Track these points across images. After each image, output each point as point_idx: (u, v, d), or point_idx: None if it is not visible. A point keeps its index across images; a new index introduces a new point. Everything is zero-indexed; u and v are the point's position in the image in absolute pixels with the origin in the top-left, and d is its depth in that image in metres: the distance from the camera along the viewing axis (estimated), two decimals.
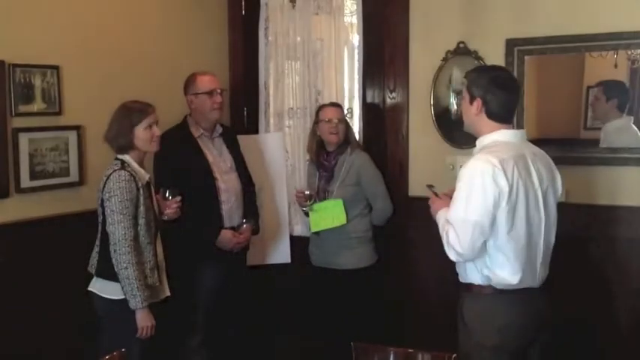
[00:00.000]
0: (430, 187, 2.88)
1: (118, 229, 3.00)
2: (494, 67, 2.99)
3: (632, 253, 3.54)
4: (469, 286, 2.68)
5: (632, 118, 3.53)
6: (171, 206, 3.29)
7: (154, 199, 3.24)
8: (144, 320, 3.07)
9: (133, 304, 3.03)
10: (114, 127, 3.12)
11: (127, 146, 3.11)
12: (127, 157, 3.11)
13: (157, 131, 3.17)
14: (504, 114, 2.66)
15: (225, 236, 3.64)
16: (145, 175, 3.16)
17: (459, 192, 2.56)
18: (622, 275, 3.56)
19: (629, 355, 3.54)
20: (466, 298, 2.69)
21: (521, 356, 2.67)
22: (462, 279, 2.72)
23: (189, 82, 3.73)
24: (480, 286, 2.64)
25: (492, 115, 2.64)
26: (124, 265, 2.99)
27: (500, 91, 2.62)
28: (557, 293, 2.80)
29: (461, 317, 2.69)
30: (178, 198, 3.29)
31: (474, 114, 2.66)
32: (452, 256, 2.59)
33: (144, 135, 3.12)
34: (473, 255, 2.57)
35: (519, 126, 3.71)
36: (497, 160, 2.51)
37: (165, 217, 3.30)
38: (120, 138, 3.10)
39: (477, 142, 2.71)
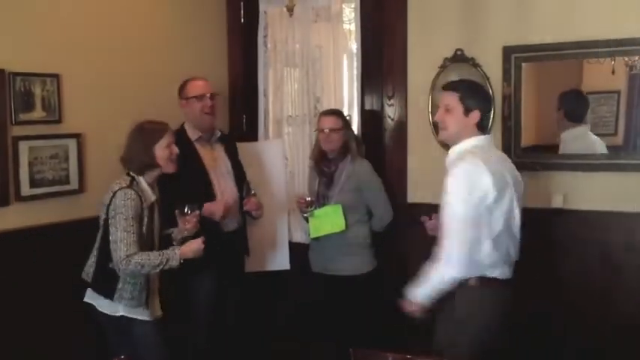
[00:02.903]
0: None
1: (120, 246, 2.96)
2: (480, 83, 3.26)
3: None
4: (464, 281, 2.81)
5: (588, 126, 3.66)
6: (191, 221, 3.25)
7: (156, 220, 3.22)
8: (193, 253, 3.11)
9: (175, 262, 3.05)
10: (134, 146, 3.11)
11: (149, 164, 3.11)
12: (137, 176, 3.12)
13: (176, 150, 3.18)
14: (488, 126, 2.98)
15: (212, 206, 3.59)
16: (151, 197, 3.15)
17: (450, 196, 2.75)
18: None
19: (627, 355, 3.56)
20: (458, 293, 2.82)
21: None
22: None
23: (181, 87, 3.77)
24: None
25: (482, 127, 2.90)
26: (138, 268, 2.97)
27: (490, 106, 2.95)
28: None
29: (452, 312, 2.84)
30: (197, 212, 3.27)
31: (470, 124, 2.86)
32: (448, 272, 2.77)
33: (163, 153, 3.13)
34: (467, 261, 2.73)
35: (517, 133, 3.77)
36: (481, 161, 2.74)
37: (186, 233, 3.25)
38: (142, 156, 3.09)
39: (455, 149, 2.88)
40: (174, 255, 3.06)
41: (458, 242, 2.72)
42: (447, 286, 2.78)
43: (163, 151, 3.13)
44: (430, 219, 3.16)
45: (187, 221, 3.25)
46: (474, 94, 2.89)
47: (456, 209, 2.72)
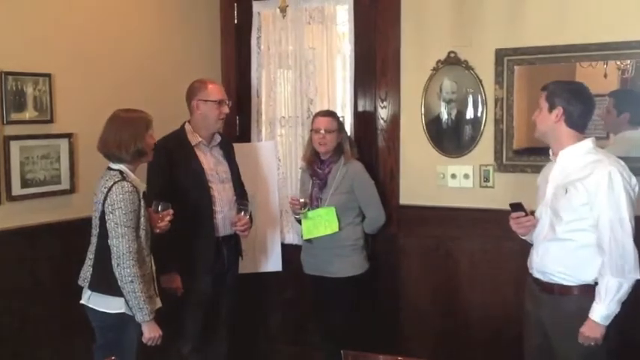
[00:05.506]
0: (516, 206, 2.98)
1: (122, 242, 2.93)
2: (576, 83, 3.14)
3: None
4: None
5: None
6: (165, 219, 3.23)
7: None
8: (152, 331, 3.04)
9: (140, 317, 2.98)
10: (125, 135, 3.01)
11: (142, 152, 3.06)
12: (123, 167, 3.05)
13: (155, 138, 3.17)
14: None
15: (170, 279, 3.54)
16: (141, 185, 3.13)
17: (613, 199, 2.71)
18: None
19: None
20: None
21: None
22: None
23: (197, 88, 3.66)
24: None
25: (575, 126, 2.86)
26: (129, 278, 2.93)
27: (580, 105, 2.86)
28: None
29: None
30: (171, 211, 3.25)
31: (554, 121, 2.85)
32: (632, 278, 2.73)
33: (151, 141, 3.11)
34: None
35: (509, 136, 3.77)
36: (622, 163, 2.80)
37: (158, 231, 3.23)
38: (134, 145, 3.01)
39: (586, 145, 2.85)
40: (149, 313, 3.00)
41: (632, 245, 2.72)
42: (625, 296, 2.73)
43: (151, 139, 3.11)
44: (526, 214, 2.97)
45: (161, 219, 3.23)
46: (560, 91, 2.87)
47: (624, 214, 2.71)
